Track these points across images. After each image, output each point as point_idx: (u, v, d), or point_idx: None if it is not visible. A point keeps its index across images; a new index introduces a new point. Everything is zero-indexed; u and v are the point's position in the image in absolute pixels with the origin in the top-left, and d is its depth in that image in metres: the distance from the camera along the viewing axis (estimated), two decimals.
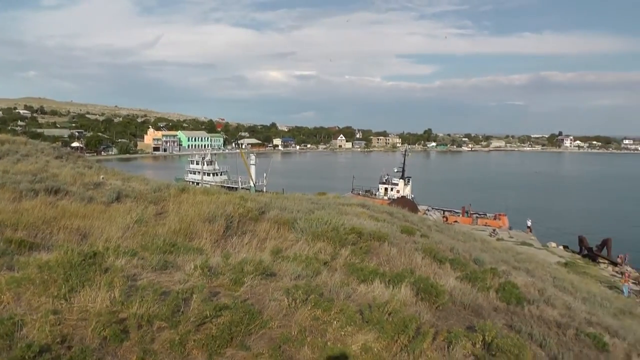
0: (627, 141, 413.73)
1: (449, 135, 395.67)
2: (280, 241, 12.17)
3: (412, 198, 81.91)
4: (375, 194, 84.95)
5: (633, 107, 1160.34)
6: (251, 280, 8.13)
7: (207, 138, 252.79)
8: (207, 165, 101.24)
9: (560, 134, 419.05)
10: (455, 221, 72.01)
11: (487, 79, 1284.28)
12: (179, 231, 11.94)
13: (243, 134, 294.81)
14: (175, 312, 6.48)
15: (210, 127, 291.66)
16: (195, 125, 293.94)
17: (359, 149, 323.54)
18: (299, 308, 7.19)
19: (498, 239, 55.00)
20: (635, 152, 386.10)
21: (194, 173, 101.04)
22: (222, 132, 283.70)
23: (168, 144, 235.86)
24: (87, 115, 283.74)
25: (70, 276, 6.80)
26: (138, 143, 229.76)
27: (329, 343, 6.48)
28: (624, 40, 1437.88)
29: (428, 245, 14.78)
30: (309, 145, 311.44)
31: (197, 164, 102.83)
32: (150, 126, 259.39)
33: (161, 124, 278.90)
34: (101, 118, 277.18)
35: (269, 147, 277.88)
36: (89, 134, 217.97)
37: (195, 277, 8.02)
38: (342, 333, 6.81)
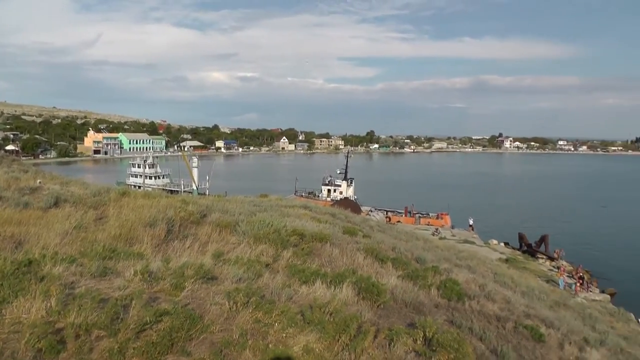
0: (561, 142, 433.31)
1: (391, 137, 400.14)
2: (222, 244, 12.06)
3: (355, 199, 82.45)
4: (318, 196, 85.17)
5: (567, 110, 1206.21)
6: (192, 285, 8.03)
7: (149, 140, 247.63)
8: (149, 168, 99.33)
9: (500, 135, 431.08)
10: (398, 221, 72.79)
11: (428, 82, 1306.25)
12: (119, 236, 11.66)
13: (185, 136, 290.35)
14: (115, 319, 6.32)
15: (152, 129, 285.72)
16: (136, 127, 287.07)
17: (302, 151, 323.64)
18: (240, 311, 7.14)
19: (440, 238, 55.81)
20: (569, 152, 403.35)
21: (136, 176, 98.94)
22: (164, 134, 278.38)
23: (109, 146, 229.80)
24: (23, 117, 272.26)
25: (1, 286, 6.57)
26: (78, 146, 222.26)
27: (270, 345, 6.46)
28: (559, 47, 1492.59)
29: (370, 245, 14.90)
30: (251, 148, 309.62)
31: (139, 167, 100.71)
32: (90, 128, 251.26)
33: (102, 126, 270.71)
34: (38, 119, 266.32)
35: (211, 150, 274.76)
36: (25, 137, 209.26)
37: (135, 283, 7.87)
38: (284, 335, 6.81)
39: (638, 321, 36.31)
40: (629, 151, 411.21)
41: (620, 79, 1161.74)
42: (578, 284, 44.97)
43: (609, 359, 11.79)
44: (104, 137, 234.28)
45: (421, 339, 7.79)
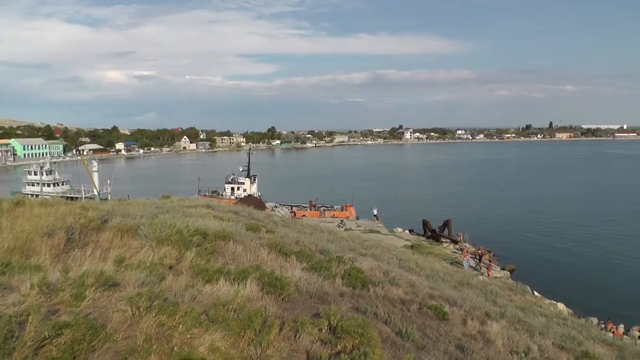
0: (460, 132, 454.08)
1: (292, 132, 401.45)
2: (124, 249, 11.70)
3: (259, 196, 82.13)
4: (222, 194, 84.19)
5: (464, 102, 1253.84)
6: (93, 294, 7.74)
7: (45, 146, 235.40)
8: (47, 175, 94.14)
9: (400, 127, 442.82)
10: (303, 215, 73.21)
11: (327, 78, 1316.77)
12: (13, 249, 11.04)
13: (84, 139, 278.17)
14: (9, 338, 5.98)
15: (48, 133, 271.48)
16: (31, 132, 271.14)
17: (203, 150, 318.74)
18: (143, 316, 6.98)
19: (346, 229, 56.57)
20: (468, 141, 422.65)
21: (33, 184, 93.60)
22: (61, 139, 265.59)
23: (1, 154, 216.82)
24: None
25: None
26: None
27: (175, 348, 6.36)
28: (451, 43, 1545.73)
29: (273, 240, 14.93)
30: (152, 149, 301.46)
31: (36, 174, 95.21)
32: None
33: None
34: None
35: (111, 153, 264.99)
36: None
37: (32, 297, 7.48)
38: (189, 336, 6.73)
39: (533, 292, 38.82)
40: (521, 138, 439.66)
41: (510, 72, 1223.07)
42: (488, 267, 46.84)
43: (507, 329, 12.45)
44: None
45: (326, 327, 7.92)
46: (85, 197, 79.15)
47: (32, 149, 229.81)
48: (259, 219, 23.30)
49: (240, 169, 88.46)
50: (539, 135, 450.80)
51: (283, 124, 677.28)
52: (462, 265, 43.93)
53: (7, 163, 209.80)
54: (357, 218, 76.04)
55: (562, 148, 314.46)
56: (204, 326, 6.96)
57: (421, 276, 17.95)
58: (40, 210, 14.68)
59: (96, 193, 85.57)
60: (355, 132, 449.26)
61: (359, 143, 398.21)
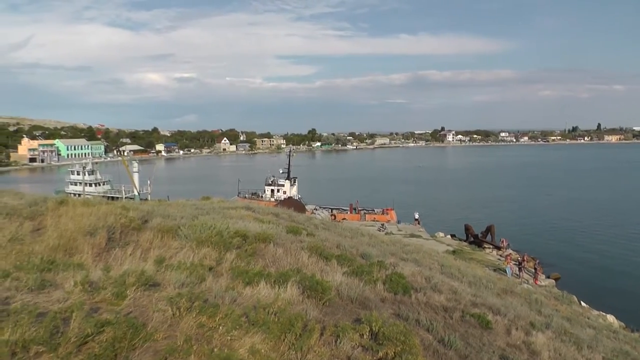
0: (503, 134, 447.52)
1: (333, 134, 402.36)
2: (164, 250, 11.89)
3: (299, 198, 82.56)
4: (262, 196, 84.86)
5: (507, 102, 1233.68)
6: (134, 293, 7.89)
7: (88, 146, 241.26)
8: (89, 175, 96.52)
9: (442, 129, 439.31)
10: (344, 218, 73.19)
11: (367, 79, 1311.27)
12: (58, 247, 11.35)
13: (124, 140, 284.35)
14: (54, 333, 6.12)
15: (90, 134, 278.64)
16: (74, 132, 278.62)
17: (243, 152, 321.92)
18: (183, 317, 7.07)
19: (386, 233, 56.30)
20: (511, 143, 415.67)
21: (75, 184, 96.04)
22: (102, 139, 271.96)
23: (45, 154, 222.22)
24: None
25: None
26: (11, 154, 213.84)
27: (215, 349, 6.42)
28: (493, 42, 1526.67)
29: (314, 243, 14.96)
30: (192, 150, 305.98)
31: (78, 174, 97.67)
32: (24, 135, 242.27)
33: (37, 133, 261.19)
34: None
35: (152, 154, 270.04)
36: None
37: (75, 295, 7.67)
38: (229, 338, 6.78)
39: (580, 302, 37.81)
40: (567, 140, 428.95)
41: (554, 71, 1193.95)
42: (536, 275, 45.87)
43: (553, 341, 12.19)
44: (39, 144, 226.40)
45: (368, 333, 7.90)
46: (125, 197, 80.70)
47: (75, 149, 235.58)
48: (299, 221, 23.38)
49: (280, 171, 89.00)
50: (586, 138, 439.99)
51: (323, 126, 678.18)
52: (506, 273, 43.20)
53: (52, 163, 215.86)
54: (398, 222, 75.62)
55: (611, 151, 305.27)
56: (244, 328, 7.01)
57: (463, 283, 17.72)
58: (83, 210, 15.01)
59: (136, 193, 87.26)
60: (396, 134, 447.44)
61: (401, 145, 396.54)
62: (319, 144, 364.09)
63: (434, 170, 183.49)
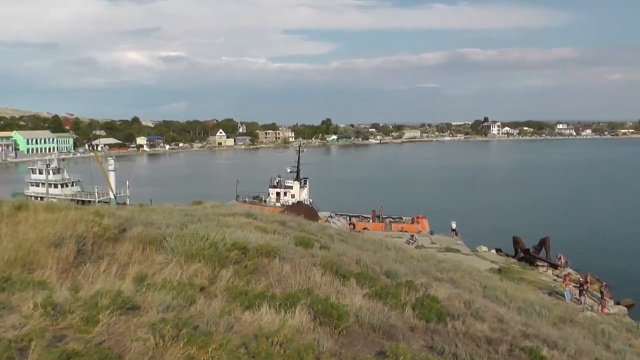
0: (561, 126, 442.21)
1: (352, 126, 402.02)
2: (146, 265, 11.90)
3: (310, 203, 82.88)
4: (265, 201, 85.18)
5: (566, 88, 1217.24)
6: (108, 317, 7.86)
7: (53, 139, 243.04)
8: (54, 174, 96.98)
9: (485, 120, 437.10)
10: (365, 228, 73.25)
11: (394, 59, 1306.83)
12: (14, 261, 11.35)
13: (98, 132, 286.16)
14: None
15: (56, 125, 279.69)
16: (35, 123, 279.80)
17: (243, 147, 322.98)
18: (168, 347, 7.02)
19: (417, 247, 56.34)
20: (571, 137, 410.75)
21: (37, 185, 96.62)
22: (71, 131, 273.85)
23: (1, 148, 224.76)
24: None
25: None
26: None
27: None
28: (547, 13, 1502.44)
29: (329, 258, 14.90)
30: (181, 144, 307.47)
31: (40, 173, 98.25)
32: None
33: None
34: None
35: (132, 148, 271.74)
36: None
37: (35, 319, 7.64)
38: None
39: None
40: None
41: (625, 50, 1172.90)
42: (602, 302, 45.21)
43: None
44: None
45: None
46: (99, 201, 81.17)
47: (37, 143, 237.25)
48: (311, 231, 23.38)
49: (288, 170, 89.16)
50: None
51: (340, 116, 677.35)
52: (564, 297, 42.80)
53: (8, 159, 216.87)
54: (431, 233, 75.39)
55: None
56: None
57: (511, 309, 17.59)
58: (46, 216, 15.06)
59: (112, 196, 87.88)
60: (429, 125, 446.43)
61: (434, 139, 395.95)
62: (334, 137, 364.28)
63: (475, 169, 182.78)
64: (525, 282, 43.65)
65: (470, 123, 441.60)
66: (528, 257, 62.31)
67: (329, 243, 20.02)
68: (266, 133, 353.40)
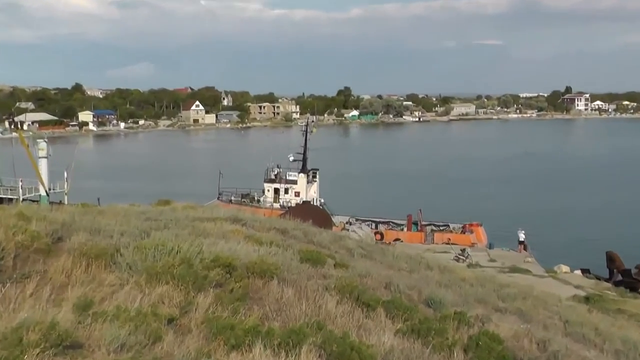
0: None
1: (380, 97, 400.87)
2: (92, 287, 11.89)
3: (321, 204, 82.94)
4: (259, 200, 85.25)
5: None
6: (37, 359, 7.86)
7: None
8: None
9: (567, 91, 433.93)
10: (397, 239, 73.34)
11: (437, 5, 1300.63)
12: None
13: (24, 104, 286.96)
14: None
15: None
16: None
17: (228, 125, 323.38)
18: None
19: (470, 265, 56.56)
20: None
21: None
22: None
23: None
24: None
25: None
26: None
27: None
28: None
29: (347, 280, 14.92)
30: (142, 122, 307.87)
31: None
32: None
33: None
34: None
35: (72, 127, 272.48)
36: None
37: None
38: None
39: None
40: None
41: None
42: None
43: None
44: None
45: None
46: (24, 200, 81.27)
47: None
48: (322, 243, 23.39)
49: (291, 159, 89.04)
50: None
51: (364, 84, 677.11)
52: None
53: None
54: (490, 246, 75.27)
55: None
56: None
57: (606, 352, 17.58)
58: None
59: (44, 193, 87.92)
60: (487, 98, 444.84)
61: (495, 117, 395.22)
62: (355, 112, 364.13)
63: (553, 160, 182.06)
64: (625, 315, 43.39)
65: (546, 95, 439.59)
66: (628, 281, 61.98)
67: (347, 259, 20.05)
68: (261, 107, 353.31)
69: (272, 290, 13.15)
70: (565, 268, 66.44)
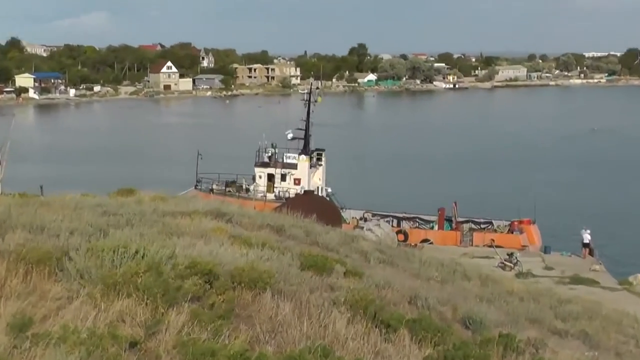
0: None
1: (404, 58, 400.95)
2: (32, 301, 11.88)
3: (328, 195, 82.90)
4: (248, 190, 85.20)
5: None
6: None
7: None
8: None
9: None
10: (426, 240, 73.46)
11: None
12: None
13: None
14: None
15: None
16: None
17: (209, 93, 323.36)
18: None
19: (519, 274, 56.52)
20: None
21: None
22: None
23: None
24: None
25: None
26: None
27: None
28: None
29: (361, 293, 14.94)
30: (98, 88, 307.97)
31: None
32: None
33: None
34: None
35: (7, 94, 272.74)
36: None
37: None
38: None
39: None
40: None
41: None
42: None
43: None
44: None
45: None
46: None
47: None
48: (329, 245, 23.42)
49: (290, 136, 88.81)
50: None
51: (384, 41, 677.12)
52: None
53: None
54: (545, 250, 74.89)
55: None
56: None
57: None
58: None
59: None
60: (543, 58, 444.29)
61: (552, 83, 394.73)
62: (372, 77, 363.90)
63: (628, 138, 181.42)
64: None
65: (618, 55, 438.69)
66: None
67: (361, 266, 20.08)
68: (251, 70, 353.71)
69: (265, 305, 13.16)
70: None
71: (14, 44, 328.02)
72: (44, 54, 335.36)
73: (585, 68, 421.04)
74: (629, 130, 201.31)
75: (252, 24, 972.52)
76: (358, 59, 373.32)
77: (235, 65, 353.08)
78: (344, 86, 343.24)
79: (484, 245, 74.59)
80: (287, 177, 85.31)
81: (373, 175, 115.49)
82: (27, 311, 11.22)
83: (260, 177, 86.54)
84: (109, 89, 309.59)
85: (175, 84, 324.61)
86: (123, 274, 12.73)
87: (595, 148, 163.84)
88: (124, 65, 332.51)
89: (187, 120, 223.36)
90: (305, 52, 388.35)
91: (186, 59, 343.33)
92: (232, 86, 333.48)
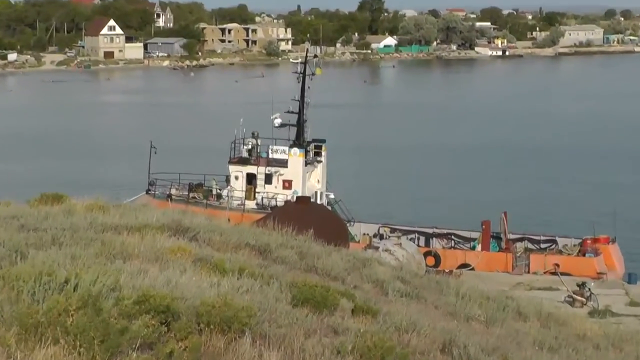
0: None
1: (433, 14, 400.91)
2: None
3: (330, 202, 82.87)
4: (220, 196, 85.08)
5: None
6: None
7: None
8: None
9: None
10: (464, 264, 73.31)
11: None
12: None
13: None
14: None
15: None
16: None
17: (167, 63, 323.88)
18: None
19: (594, 312, 56.55)
20: None
21: None
22: None
23: None
24: None
25: None
26: None
27: None
28: None
29: (376, 338, 14.90)
30: (14, 56, 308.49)
31: None
32: None
33: None
34: None
35: None
36: None
37: None
38: None
39: None
40: None
41: None
42: None
43: None
44: None
45: None
46: None
47: None
48: (332, 271, 23.41)
49: (277, 122, 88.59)
50: None
51: None
52: None
53: None
54: (630, 279, 74.52)
55: None
56: None
57: None
58: None
59: None
60: (625, 15, 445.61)
61: (637, 48, 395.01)
62: (390, 41, 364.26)
63: None
64: None
65: None
66: None
67: (375, 300, 20.09)
68: (224, 31, 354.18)
69: (243, 354, 13.12)
70: None
71: None
72: None
73: None
74: None
75: None
76: (371, 17, 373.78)
77: (202, 25, 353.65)
78: (351, 53, 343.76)
79: (545, 272, 74.42)
80: (274, 179, 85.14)
81: (391, 176, 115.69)
82: None
83: (236, 178, 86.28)
84: (28, 57, 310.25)
85: (120, 51, 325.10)
86: (47, 311, 12.67)
87: None
88: (50, 24, 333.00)
89: (136, 100, 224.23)
90: (299, 6, 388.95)
91: (135, 17, 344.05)
92: (199, 53, 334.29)
